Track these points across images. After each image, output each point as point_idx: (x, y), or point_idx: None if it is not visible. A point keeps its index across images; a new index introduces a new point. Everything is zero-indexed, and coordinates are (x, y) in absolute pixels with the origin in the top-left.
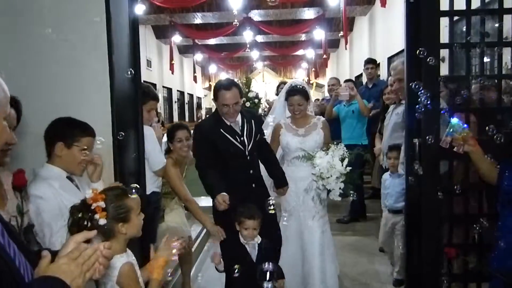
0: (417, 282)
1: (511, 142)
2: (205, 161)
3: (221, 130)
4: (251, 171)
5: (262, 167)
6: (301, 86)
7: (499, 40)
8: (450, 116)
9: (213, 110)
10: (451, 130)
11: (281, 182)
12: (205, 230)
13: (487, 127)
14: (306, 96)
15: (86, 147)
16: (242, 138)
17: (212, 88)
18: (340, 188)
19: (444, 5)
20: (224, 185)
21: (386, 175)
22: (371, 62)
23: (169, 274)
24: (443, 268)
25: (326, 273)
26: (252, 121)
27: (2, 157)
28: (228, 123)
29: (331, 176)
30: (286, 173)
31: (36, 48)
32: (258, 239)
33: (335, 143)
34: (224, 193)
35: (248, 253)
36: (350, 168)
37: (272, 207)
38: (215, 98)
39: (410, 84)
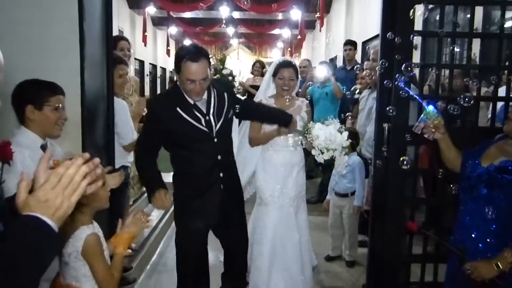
0: (379, 263)
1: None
2: (146, 146)
3: (178, 109)
4: (219, 157)
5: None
6: (293, 62)
7: (470, 31)
8: (426, 104)
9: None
10: (425, 117)
11: (284, 120)
12: (167, 215)
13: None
14: (297, 73)
15: (58, 105)
16: (207, 118)
17: (175, 55)
18: (346, 162)
19: None
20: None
21: None
22: (350, 44)
23: (133, 247)
24: (405, 250)
25: (304, 264)
26: (225, 94)
27: None
28: (192, 102)
29: (336, 149)
30: (264, 159)
31: (4, 9)
32: None
33: (330, 118)
34: (166, 190)
35: None
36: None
37: None
38: (177, 70)
39: (382, 69)
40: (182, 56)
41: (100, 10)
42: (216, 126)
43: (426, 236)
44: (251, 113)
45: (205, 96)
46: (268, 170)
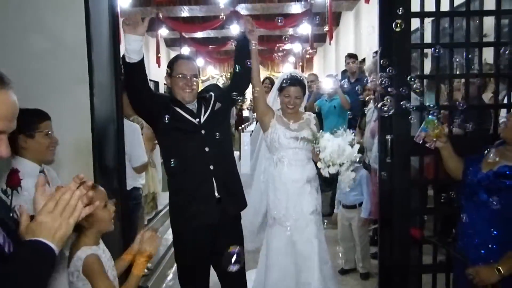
0: (389, 274)
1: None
2: None
3: (171, 105)
4: (207, 149)
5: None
6: (300, 77)
7: (466, 41)
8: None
9: None
10: (426, 126)
11: (241, 42)
12: None
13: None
14: (304, 90)
15: (48, 131)
16: (198, 119)
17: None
18: (352, 179)
19: (415, 7)
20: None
21: None
22: (352, 57)
23: (149, 267)
24: (415, 260)
25: None
26: (210, 92)
27: None
28: (185, 105)
29: (344, 163)
30: (274, 176)
31: (15, 43)
32: None
33: (342, 128)
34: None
35: None
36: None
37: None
38: (170, 72)
39: (382, 82)
40: (174, 59)
41: (108, 36)
42: (203, 116)
43: (435, 246)
44: (237, 73)
45: (195, 103)
46: (279, 187)
